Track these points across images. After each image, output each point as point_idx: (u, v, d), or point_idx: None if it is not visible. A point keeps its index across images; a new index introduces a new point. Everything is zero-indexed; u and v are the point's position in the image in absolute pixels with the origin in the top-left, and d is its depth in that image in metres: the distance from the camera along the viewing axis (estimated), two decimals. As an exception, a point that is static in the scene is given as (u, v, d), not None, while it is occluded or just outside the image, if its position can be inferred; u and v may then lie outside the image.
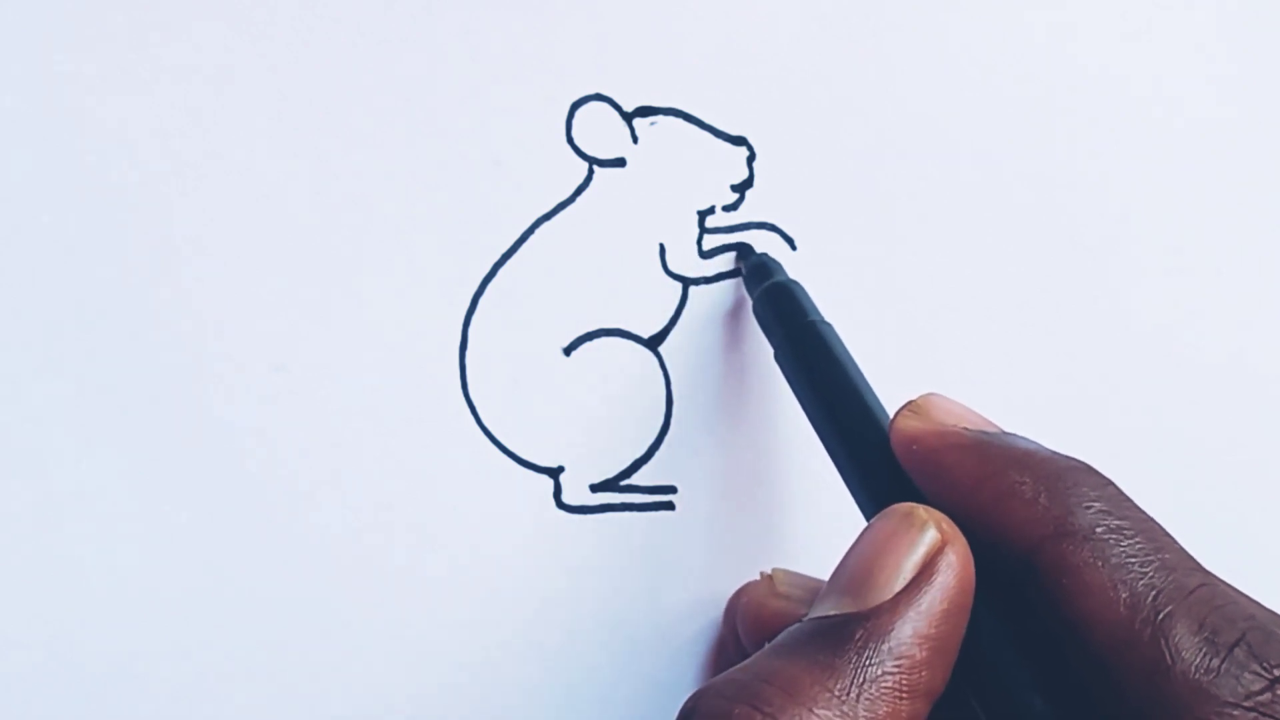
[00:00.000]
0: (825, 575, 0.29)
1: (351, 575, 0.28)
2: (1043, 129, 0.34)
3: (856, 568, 0.22)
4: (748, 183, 0.32)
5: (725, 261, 0.31)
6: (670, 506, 0.30)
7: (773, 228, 0.32)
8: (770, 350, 0.29)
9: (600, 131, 0.31)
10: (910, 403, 0.25)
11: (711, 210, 0.31)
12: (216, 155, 0.29)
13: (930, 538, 0.21)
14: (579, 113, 0.31)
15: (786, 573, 0.29)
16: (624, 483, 0.30)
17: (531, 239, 0.30)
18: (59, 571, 0.27)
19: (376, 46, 0.30)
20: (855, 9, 0.33)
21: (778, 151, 0.32)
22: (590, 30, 0.31)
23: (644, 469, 0.30)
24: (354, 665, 0.28)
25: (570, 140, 0.31)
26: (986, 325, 0.33)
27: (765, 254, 0.31)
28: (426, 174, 0.30)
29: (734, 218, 0.32)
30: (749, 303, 0.30)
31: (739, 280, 0.31)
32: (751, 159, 0.32)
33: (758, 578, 0.30)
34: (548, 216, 0.30)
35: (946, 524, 0.22)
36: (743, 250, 0.31)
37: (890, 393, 0.27)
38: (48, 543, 0.27)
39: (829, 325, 0.28)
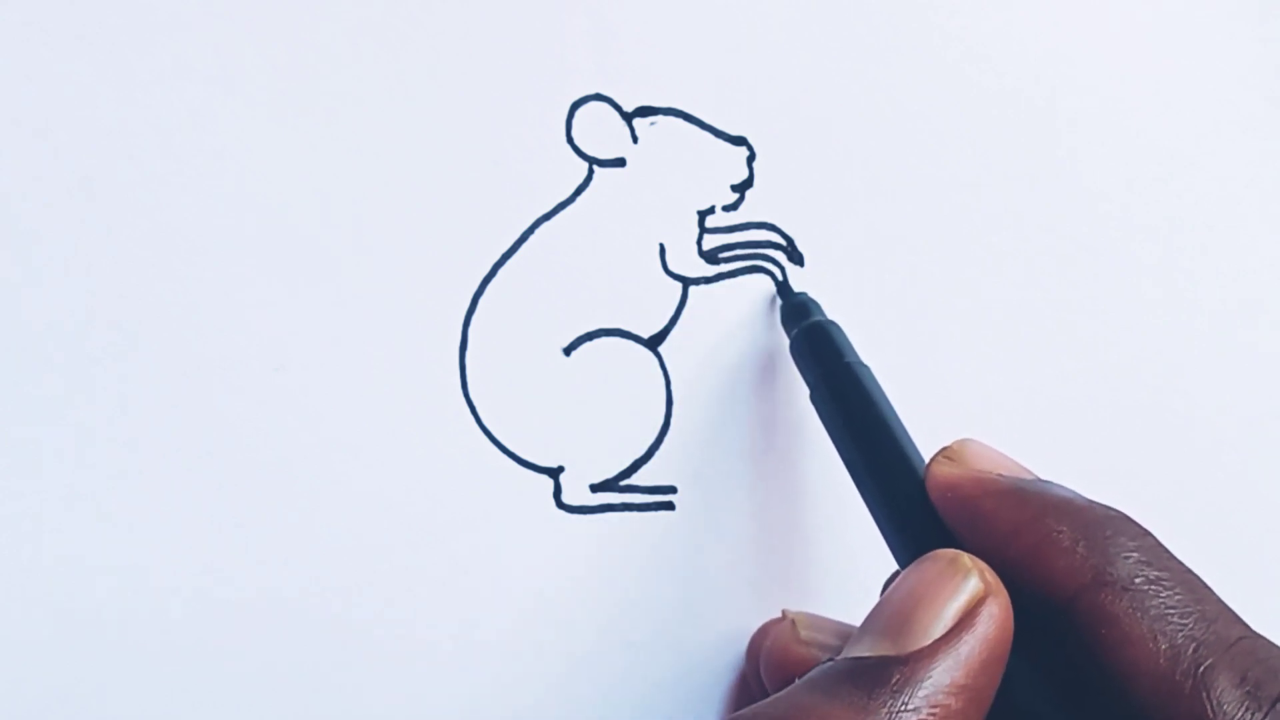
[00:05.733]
0: (823, 582, 0.29)
1: (351, 575, 0.28)
2: (1042, 128, 0.34)
3: (897, 610, 0.21)
4: (748, 183, 0.32)
5: (725, 262, 0.31)
6: (670, 506, 0.30)
7: (773, 227, 0.32)
8: (792, 373, 0.29)
9: (600, 131, 0.31)
10: (946, 448, 0.25)
11: (711, 210, 0.31)
12: (216, 155, 0.29)
13: (973, 586, 0.21)
14: (579, 113, 0.31)
15: (809, 616, 0.29)
16: (624, 483, 0.30)
17: (531, 239, 0.30)
18: (59, 571, 0.27)
19: (376, 46, 0.30)
20: (855, 9, 0.33)
21: (778, 151, 0.32)
22: (590, 30, 0.31)
23: (644, 469, 0.30)
24: (353, 665, 0.28)
25: (570, 140, 0.31)
26: (986, 325, 0.33)
27: (805, 293, 0.31)
28: (426, 174, 0.30)
29: (734, 218, 0.32)
30: (751, 306, 0.30)
31: (738, 281, 0.31)
32: (751, 159, 0.32)
33: (779, 616, 0.30)
34: (548, 216, 0.30)
35: (989, 574, 0.21)
36: (782, 289, 0.31)
37: (891, 394, 0.27)
38: (48, 543, 0.27)
39: (866, 367, 0.28)
